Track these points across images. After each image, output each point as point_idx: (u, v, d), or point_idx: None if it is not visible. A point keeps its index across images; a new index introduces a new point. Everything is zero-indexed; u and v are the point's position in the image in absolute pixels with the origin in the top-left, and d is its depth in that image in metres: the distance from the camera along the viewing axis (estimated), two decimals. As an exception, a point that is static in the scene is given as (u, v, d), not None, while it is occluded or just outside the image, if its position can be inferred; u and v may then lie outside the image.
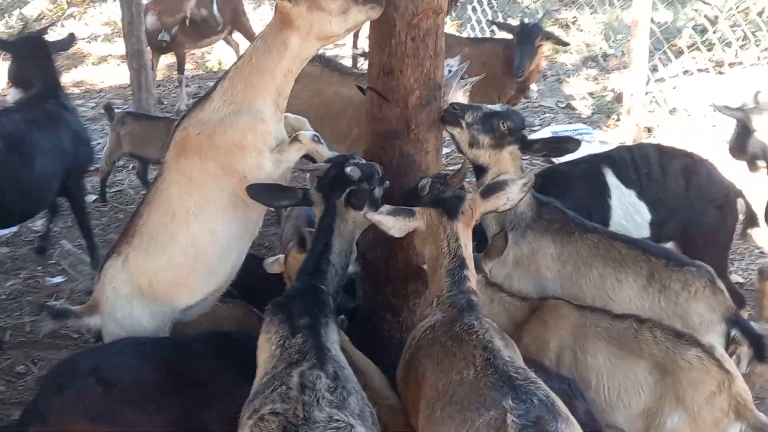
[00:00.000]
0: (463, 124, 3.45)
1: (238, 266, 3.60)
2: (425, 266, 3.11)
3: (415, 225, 2.97)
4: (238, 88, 3.31)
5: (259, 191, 3.19)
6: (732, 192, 4.63)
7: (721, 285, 3.50)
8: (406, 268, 3.55)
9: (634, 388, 3.07)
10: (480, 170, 3.58)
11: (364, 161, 3.21)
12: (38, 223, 6.31)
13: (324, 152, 3.41)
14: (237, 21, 9.79)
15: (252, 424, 2.35)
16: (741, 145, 5.00)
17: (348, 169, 3.05)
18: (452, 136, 3.54)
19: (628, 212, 4.53)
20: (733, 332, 3.37)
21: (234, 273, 3.60)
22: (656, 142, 4.97)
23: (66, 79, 10.30)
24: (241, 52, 10.27)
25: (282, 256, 3.84)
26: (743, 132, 5.00)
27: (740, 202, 4.63)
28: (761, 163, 4.93)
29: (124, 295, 3.47)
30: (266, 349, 2.72)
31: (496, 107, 3.60)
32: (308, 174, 3.44)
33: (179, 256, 3.41)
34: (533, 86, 6.57)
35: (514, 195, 3.04)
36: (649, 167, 4.58)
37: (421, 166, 3.41)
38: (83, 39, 12.36)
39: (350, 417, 2.35)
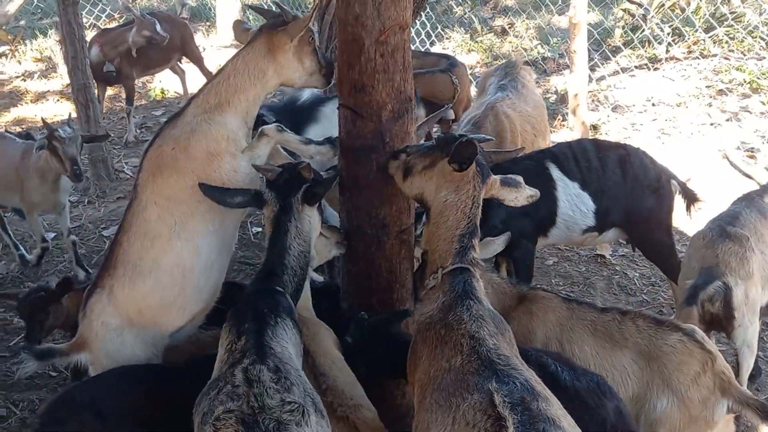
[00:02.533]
0: (401, 157, 3.27)
1: (221, 282, 3.65)
2: (425, 241, 3.04)
3: (445, 173, 2.94)
4: (212, 103, 3.44)
5: (211, 190, 3.28)
6: (664, 175, 4.91)
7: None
8: (389, 278, 3.62)
9: (621, 377, 3.19)
10: (424, 205, 3.14)
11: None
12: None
13: (291, 139, 3.58)
14: (185, 47, 9.77)
15: (208, 427, 2.38)
16: None
17: (302, 168, 3.20)
18: (394, 178, 3.31)
19: (574, 203, 4.78)
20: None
21: (218, 290, 3.65)
22: (592, 137, 5.16)
23: (6, 118, 10.15)
24: (187, 79, 10.45)
25: None
26: None
27: (673, 183, 4.90)
28: None
29: (114, 328, 3.47)
30: (219, 355, 2.82)
31: None
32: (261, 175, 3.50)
33: (166, 278, 3.44)
34: (450, 111, 6.74)
35: (521, 198, 3.12)
36: (589, 161, 4.82)
37: (398, 177, 3.49)
38: (18, 77, 12.17)
39: (300, 399, 2.45)
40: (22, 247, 6.39)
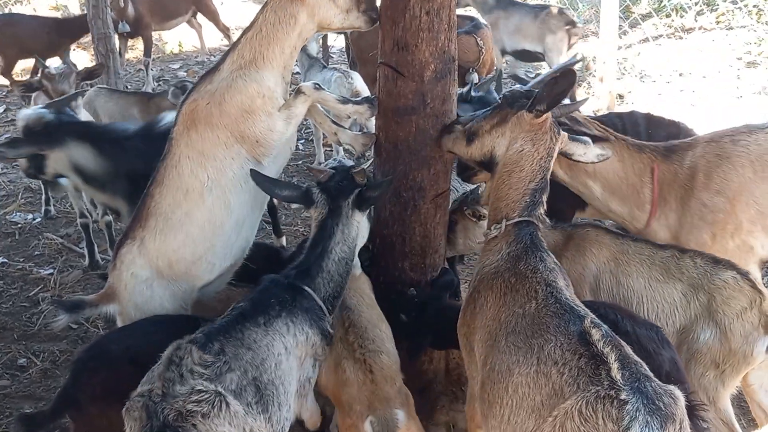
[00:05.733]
0: (457, 128, 3.24)
1: (251, 240, 3.62)
2: (489, 194, 3.01)
3: (522, 124, 2.90)
4: (247, 58, 3.35)
5: (261, 179, 3.20)
6: None
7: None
8: (423, 242, 3.56)
9: (671, 309, 3.23)
10: (491, 163, 3.04)
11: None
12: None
13: (328, 98, 3.48)
14: (200, 2, 9.64)
15: (125, 409, 2.35)
16: None
17: (355, 172, 3.11)
18: (451, 150, 3.31)
19: None
20: None
21: (248, 247, 3.62)
22: (646, 111, 5.03)
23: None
24: (205, 32, 10.34)
25: None
26: None
27: None
28: None
29: (144, 279, 3.43)
30: None
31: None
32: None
33: (196, 232, 3.39)
34: (474, 74, 6.63)
35: (591, 155, 3.11)
36: (638, 134, 4.68)
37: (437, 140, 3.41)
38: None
39: (220, 388, 2.38)
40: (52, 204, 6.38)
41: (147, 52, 9.19)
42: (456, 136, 3.21)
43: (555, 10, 8.09)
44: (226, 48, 3.70)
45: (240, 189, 3.40)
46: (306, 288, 2.97)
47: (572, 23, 7.99)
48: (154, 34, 10.75)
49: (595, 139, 3.27)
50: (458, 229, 3.86)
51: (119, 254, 3.48)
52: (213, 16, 9.91)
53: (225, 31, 10.21)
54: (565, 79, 2.79)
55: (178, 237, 3.40)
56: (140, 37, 9.47)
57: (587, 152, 3.11)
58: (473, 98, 4.48)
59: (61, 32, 8.56)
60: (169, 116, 4.48)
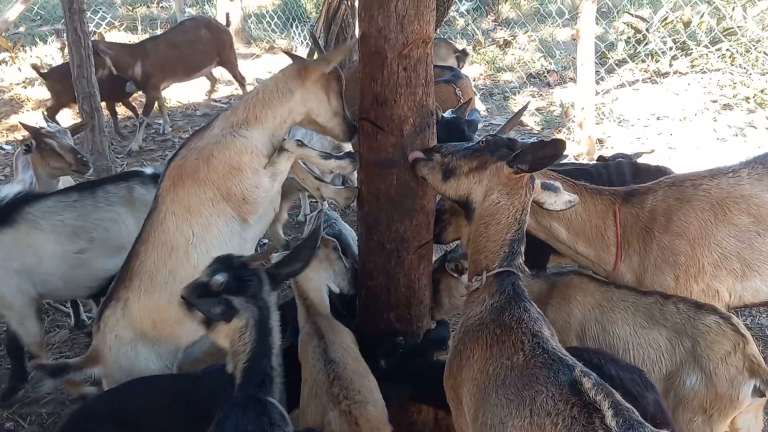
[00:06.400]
0: (436, 158, 3.17)
1: None
2: (468, 243, 3.00)
3: (500, 175, 2.90)
4: (240, 117, 3.44)
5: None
6: None
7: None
8: (408, 293, 3.59)
9: (656, 355, 3.25)
10: (467, 207, 3.03)
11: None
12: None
13: (311, 154, 3.55)
14: (223, 53, 9.79)
15: None
16: None
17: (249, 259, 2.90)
18: (426, 180, 3.24)
19: None
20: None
21: None
22: (632, 160, 5.10)
23: (6, 125, 10.09)
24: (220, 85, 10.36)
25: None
26: None
27: None
28: None
29: (128, 341, 3.44)
30: None
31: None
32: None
33: None
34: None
35: (560, 202, 3.18)
36: (624, 184, 4.73)
37: (418, 192, 3.45)
38: (19, 84, 12.11)
39: None
40: None
41: (146, 111, 9.31)
42: (432, 167, 3.19)
43: (441, 41, 8.37)
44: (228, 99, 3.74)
45: (225, 247, 3.42)
46: (270, 399, 2.70)
47: (462, 51, 8.34)
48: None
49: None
50: (442, 288, 3.87)
51: (103, 316, 3.49)
52: (232, 66, 10.05)
53: (241, 80, 10.30)
54: (553, 146, 2.81)
55: (163, 296, 3.40)
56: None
57: (557, 200, 3.18)
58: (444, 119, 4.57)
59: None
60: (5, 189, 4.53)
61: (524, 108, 4.57)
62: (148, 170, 4.75)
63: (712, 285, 3.62)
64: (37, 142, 5.29)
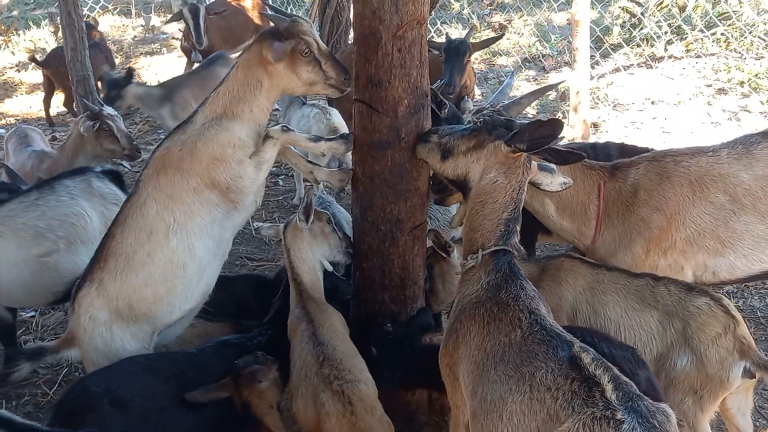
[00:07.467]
0: (433, 139, 3.25)
1: (212, 287, 3.65)
2: (461, 219, 3.08)
3: (498, 154, 2.93)
4: (219, 111, 3.45)
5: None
6: None
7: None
8: (402, 274, 3.60)
9: (647, 337, 3.29)
10: (464, 186, 3.10)
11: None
12: None
13: (299, 138, 3.57)
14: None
15: None
16: None
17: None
18: (424, 159, 3.33)
19: None
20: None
21: (208, 293, 3.65)
22: (619, 141, 5.13)
23: (1, 109, 10.05)
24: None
25: (281, 225, 3.79)
26: None
27: None
28: None
29: (103, 322, 3.44)
30: None
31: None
32: None
33: (158, 273, 3.42)
34: (469, 101, 6.66)
35: (555, 184, 3.22)
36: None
37: (413, 173, 3.46)
38: (12, 68, 12.06)
39: None
40: None
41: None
42: (431, 147, 3.24)
43: None
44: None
45: (206, 234, 3.47)
46: None
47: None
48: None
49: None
50: (435, 274, 3.89)
51: (77, 297, 3.49)
52: None
53: None
54: (551, 125, 2.82)
55: (140, 276, 3.42)
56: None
57: (553, 181, 3.21)
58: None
59: None
60: None
61: (551, 86, 4.57)
62: (98, 168, 4.73)
63: (678, 261, 3.68)
64: (100, 122, 5.30)
